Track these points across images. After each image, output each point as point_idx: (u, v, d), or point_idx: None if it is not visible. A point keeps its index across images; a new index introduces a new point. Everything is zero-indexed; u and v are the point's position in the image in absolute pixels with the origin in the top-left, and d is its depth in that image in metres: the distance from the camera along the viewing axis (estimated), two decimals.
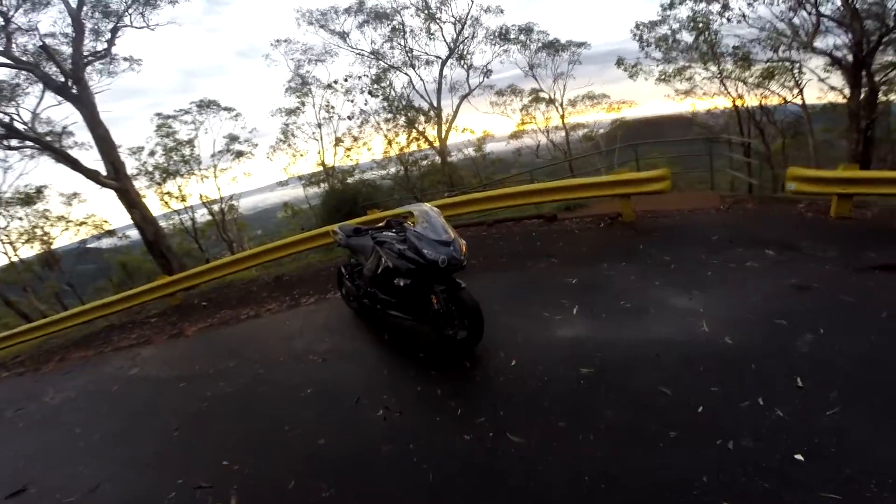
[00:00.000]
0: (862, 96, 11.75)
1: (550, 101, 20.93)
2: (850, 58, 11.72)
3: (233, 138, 19.62)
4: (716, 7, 13.93)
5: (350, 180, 16.54)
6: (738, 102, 16.33)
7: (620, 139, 21.59)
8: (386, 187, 16.72)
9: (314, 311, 5.79)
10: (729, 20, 13.90)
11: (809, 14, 12.23)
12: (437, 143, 17.17)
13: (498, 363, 3.51)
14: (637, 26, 16.09)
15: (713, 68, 15.59)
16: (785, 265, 4.37)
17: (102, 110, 11.12)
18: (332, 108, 17.56)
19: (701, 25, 14.43)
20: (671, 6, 14.93)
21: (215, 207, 20.41)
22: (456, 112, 17.84)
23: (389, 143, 17.04)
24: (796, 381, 2.79)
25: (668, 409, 2.73)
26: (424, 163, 17.28)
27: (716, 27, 14.40)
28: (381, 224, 4.16)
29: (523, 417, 2.93)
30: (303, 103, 17.96)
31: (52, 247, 19.17)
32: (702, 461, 2.33)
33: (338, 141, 17.52)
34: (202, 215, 21.06)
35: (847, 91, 12.30)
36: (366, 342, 4.47)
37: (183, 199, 19.37)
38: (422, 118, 17.02)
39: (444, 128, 17.20)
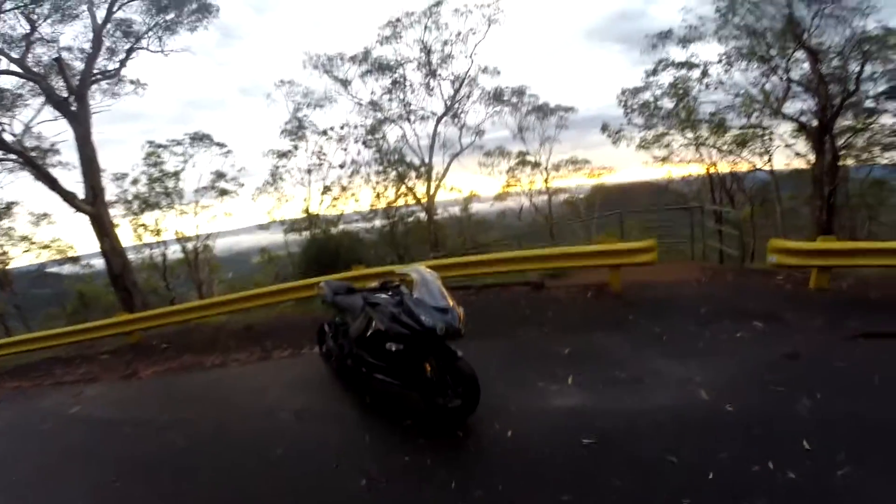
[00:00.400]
0: (826, 162, 12.36)
1: (536, 165, 21.79)
2: (814, 123, 12.46)
3: (220, 175, 19.05)
4: (695, 73, 15.05)
5: (334, 230, 16.39)
6: (711, 169, 17.21)
7: (599, 205, 22.17)
8: (369, 241, 16.63)
9: (288, 365, 5.44)
10: (707, 86, 14.94)
11: (781, 79, 13.16)
12: (424, 200, 17.44)
13: (493, 434, 3.28)
14: (623, 92, 17.11)
15: (689, 135, 16.32)
16: (773, 336, 4.45)
17: (96, 131, 10.88)
18: (324, 154, 17.72)
19: (681, 92, 15.45)
20: (654, 73, 16.00)
21: (189, 245, 19.63)
22: (446, 170, 18.29)
23: (378, 196, 17.17)
24: (803, 443, 2.77)
25: (678, 476, 2.62)
26: (410, 219, 17.43)
27: (694, 93, 15.41)
28: (373, 285, 4.05)
29: (524, 490, 2.69)
30: (296, 147, 18.02)
31: (7, 266, 17.84)
32: None
33: (326, 189, 17.53)
34: (174, 252, 20.17)
35: (812, 157, 13.03)
36: (345, 403, 4.14)
37: (158, 234, 18.54)
38: (412, 173, 17.37)
39: (434, 185, 17.59)
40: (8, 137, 11.05)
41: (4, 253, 17.53)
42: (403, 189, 17.39)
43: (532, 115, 20.58)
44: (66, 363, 6.72)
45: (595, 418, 3.29)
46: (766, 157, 15.52)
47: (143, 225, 18.09)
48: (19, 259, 18.13)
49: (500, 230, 22.37)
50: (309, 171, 17.90)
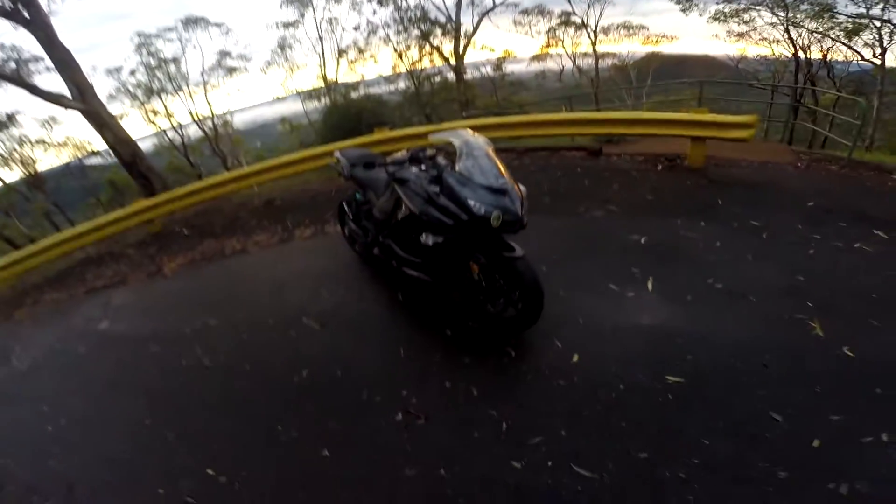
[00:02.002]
0: None
1: (582, 26, 18.45)
2: None
3: (224, 54, 18.24)
4: None
5: (354, 95, 14.78)
6: (801, 53, 14.93)
7: (652, 73, 19.79)
8: (393, 103, 15.01)
9: (310, 249, 4.90)
10: None
11: None
12: (452, 60, 15.08)
13: (554, 357, 2.62)
14: None
15: (780, 14, 13.91)
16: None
17: (76, 35, 9.74)
18: (335, 20, 15.43)
19: None
20: None
21: (208, 124, 18.96)
22: (476, 28, 15.57)
23: (400, 56, 14.94)
24: None
25: (779, 441, 2.03)
26: (437, 79, 15.35)
27: None
28: (400, 154, 3.02)
29: (593, 442, 2.15)
30: (302, 15, 15.84)
31: (36, 169, 18.35)
32: None
33: (341, 53, 15.54)
34: (194, 132, 19.66)
35: None
36: (375, 303, 3.54)
37: (170, 116, 18.02)
38: (438, 31, 14.75)
39: (462, 44, 15.00)
40: None
41: (27, 157, 17.93)
42: (428, 48, 14.96)
43: None
44: (97, 263, 6.52)
45: (686, 348, 2.55)
46: (878, 51, 13.03)
47: (153, 111, 17.71)
48: (45, 160, 18.72)
49: (537, 92, 19.93)
50: (320, 39, 15.92)
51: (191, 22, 17.33)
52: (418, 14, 14.52)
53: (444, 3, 15.28)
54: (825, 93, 15.16)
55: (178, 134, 19.00)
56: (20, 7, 9.16)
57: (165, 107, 18.07)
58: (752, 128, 4.94)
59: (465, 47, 15.21)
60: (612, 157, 5.89)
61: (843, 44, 13.57)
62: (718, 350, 2.52)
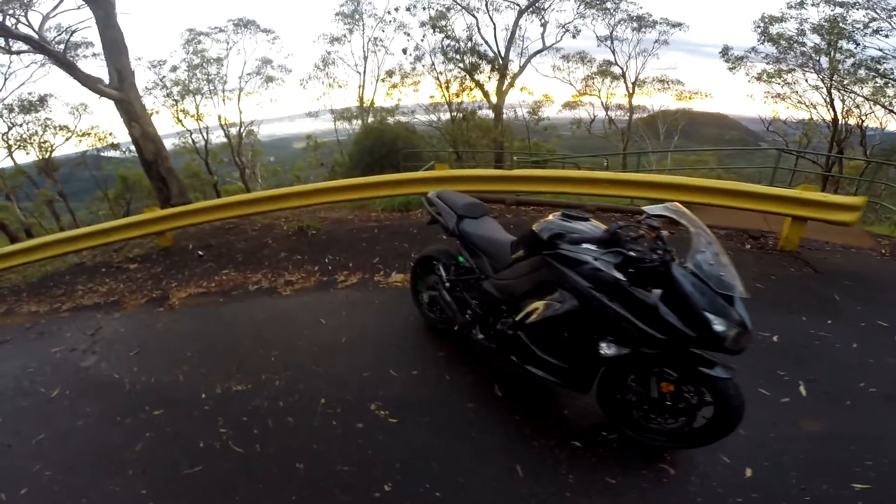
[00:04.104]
0: None
1: (618, 77, 18.43)
2: None
3: (266, 62, 18.06)
4: (857, 15, 12.38)
5: (390, 120, 14.34)
6: (841, 117, 14.92)
7: (681, 131, 19.79)
8: (427, 134, 14.55)
9: (359, 302, 4.03)
10: (874, 31, 12.32)
11: None
12: (493, 97, 14.73)
13: (725, 473, 2.13)
14: (762, 18, 14.80)
15: (826, 77, 14.01)
16: None
17: (122, 12, 9.31)
18: (382, 41, 15.22)
19: (834, 31, 12.88)
20: (800, 4, 13.53)
21: (233, 130, 18.52)
22: (522, 68, 15.36)
23: (443, 87, 14.54)
24: None
25: None
26: (475, 116, 14.96)
27: (850, 34, 12.93)
28: (554, 217, 2.27)
29: None
30: (350, 30, 15.71)
31: (52, 154, 17.80)
32: None
33: (388, 74, 15.23)
34: (217, 137, 19.20)
35: None
36: (466, 395, 2.71)
37: (199, 119, 17.55)
38: (486, 67, 14.41)
39: (507, 82, 14.68)
40: (25, 29, 9.91)
41: (46, 141, 17.39)
42: (470, 83, 14.62)
43: (626, 25, 16.66)
44: (91, 273, 5.72)
45: (858, 452, 2.24)
46: None
47: (183, 110, 17.31)
48: (62, 147, 18.08)
49: (571, 140, 19.80)
50: (365, 58, 15.67)
51: (241, 24, 17.09)
52: (469, 45, 14.21)
53: (494, 38, 15.21)
54: (853, 160, 15.08)
55: (203, 137, 18.47)
56: None
57: (197, 108, 17.62)
58: (860, 210, 4.53)
59: (509, 86, 14.93)
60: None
61: (890, 111, 13.50)
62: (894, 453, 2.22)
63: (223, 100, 17.68)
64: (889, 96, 13.31)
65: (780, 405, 2.55)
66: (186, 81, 16.83)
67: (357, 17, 15.26)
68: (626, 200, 6.36)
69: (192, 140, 18.31)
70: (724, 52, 16.30)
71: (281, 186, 7.10)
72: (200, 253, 5.83)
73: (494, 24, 14.89)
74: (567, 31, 15.45)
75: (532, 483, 2.12)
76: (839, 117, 14.74)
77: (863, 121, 14.86)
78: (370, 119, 14.95)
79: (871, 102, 13.77)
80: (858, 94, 13.82)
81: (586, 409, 2.44)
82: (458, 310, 2.83)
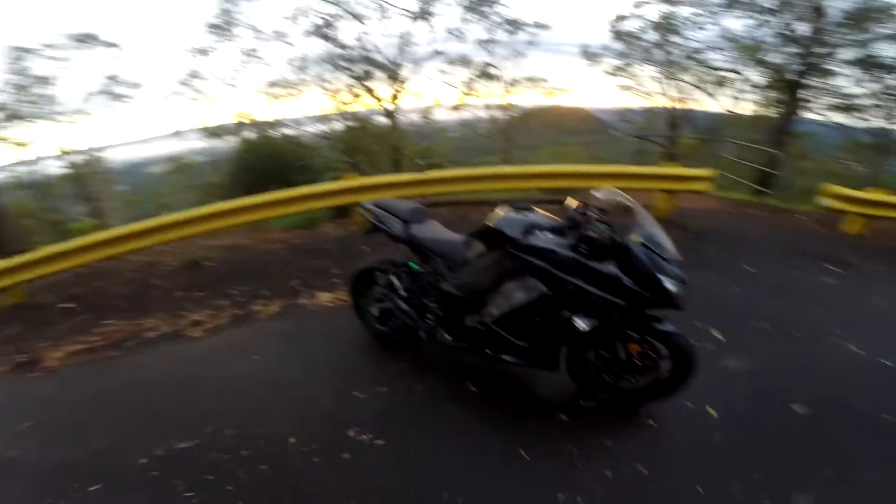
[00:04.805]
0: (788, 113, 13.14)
1: (495, 77, 19.75)
2: (791, 76, 12.92)
3: (112, 79, 15.20)
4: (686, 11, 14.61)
5: (274, 134, 13.35)
6: (673, 104, 17.44)
7: (549, 126, 21.98)
8: (319, 146, 13.85)
9: (291, 329, 3.66)
10: (694, 25, 14.64)
11: (774, 31, 13.07)
12: (386, 105, 14.58)
13: (694, 417, 2.43)
14: (616, 17, 16.43)
15: (660, 69, 16.42)
16: (857, 281, 4.21)
17: None
18: (256, 52, 13.99)
19: (669, 26, 15.07)
20: (642, 4, 15.38)
21: (76, 158, 15.57)
22: (413, 73, 15.39)
23: (334, 96, 13.92)
24: None
25: None
26: (369, 125, 14.67)
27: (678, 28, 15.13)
28: (502, 211, 2.43)
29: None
30: (222, 41, 14.11)
31: None
32: None
33: (270, 86, 14.00)
34: (57, 168, 15.94)
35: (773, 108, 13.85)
36: (442, 397, 2.66)
37: (24, 147, 14.34)
38: (378, 74, 14.13)
39: (400, 89, 14.63)
40: None
41: None
42: (361, 91, 14.27)
43: (501, 27, 18.01)
44: None
45: (789, 382, 2.71)
46: (734, 100, 16.11)
47: (2, 139, 13.97)
48: None
49: (453, 142, 20.67)
50: (239, 70, 14.26)
51: (79, 39, 14.38)
52: (360, 53, 13.81)
53: (385, 45, 15.05)
54: (686, 139, 18.23)
55: (37, 170, 15.21)
56: None
57: (26, 135, 14.38)
58: (710, 179, 5.61)
59: (402, 93, 14.93)
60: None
61: (710, 94, 16.39)
62: (811, 377, 2.77)
63: (60, 123, 14.79)
64: (708, 82, 16.13)
65: (708, 351, 2.87)
66: (11, 105, 13.72)
67: (230, 27, 13.87)
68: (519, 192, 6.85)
69: (28, 173, 14.99)
70: (584, 50, 17.94)
71: (140, 218, 6.08)
72: (67, 305, 4.81)
73: (385, 31, 14.82)
74: (454, 35, 15.95)
75: (542, 463, 2.18)
76: (672, 103, 17.46)
77: (690, 105, 17.68)
78: (250, 134, 13.73)
79: (695, 88, 16.62)
80: (685, 82, 16.46)
81: (557, 385, 2.57)
82: (419, 316, 2.76)
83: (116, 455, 2.49)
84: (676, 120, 18.04)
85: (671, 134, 17.56)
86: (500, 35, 17.95)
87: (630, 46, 16.56)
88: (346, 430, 2.43)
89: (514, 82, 20.25)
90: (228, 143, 14.86)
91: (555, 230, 2.26)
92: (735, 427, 2.35)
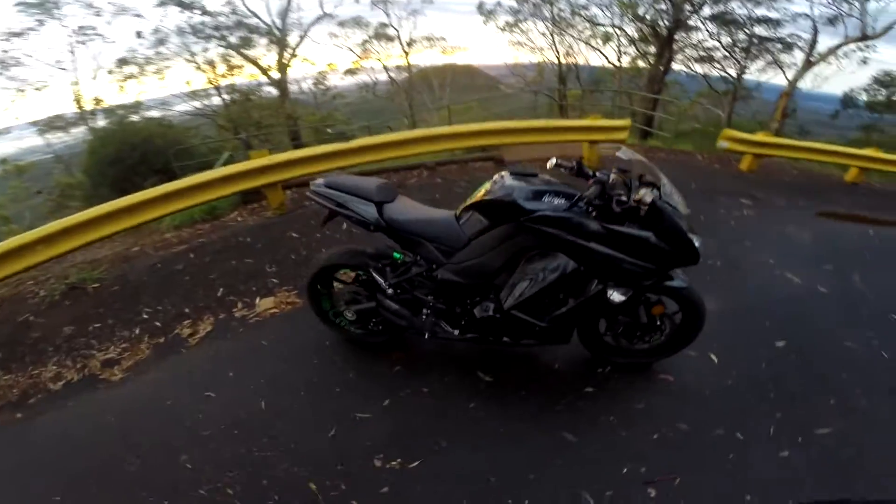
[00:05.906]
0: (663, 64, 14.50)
1: (391, 39, 18.85)
2: (664, 30, 14.20)
3: None
4: None
5: (135, 118, 11.15)
6: (563, 59, 19.15)
7: (447, 84, 21.79)
8: (194, 126, 11.95)
9: (239, 351, 2.97)
10: None
11: None
12: (272, 73, 12.95)
13: (701, 365, 2.53)
14: None
15: (549, 25, 17.52)
16: (770, 213, 4.70)
17: None
18: (94, 29, 11.30)
19: None
20: None
21: None
22: (302, 38, 13.79)
23: (211, 68, 11.88)
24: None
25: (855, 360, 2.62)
26: (254, 97, 12.95)
27: None
28: (502, 175, 2.13)
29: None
30: (41, 22, 11.04)
31: None
32: None
33: (120, 64, 11.44)
34: None
35: (649, 59, 15.27)
36: (459, 396, 2.40)
37: None
38: (260, 41, 12.35)
39: (287, 55, 13.02)
40: None
41: None
42: (242, 60, 12.41)
43: None
44: None
45: (762, 319, 2.92)
46: (616, 54, 17.89)
47: None
48: None
49: (352, 107, 19.45)
50: (72, 51, 11.40)
51: None
52: (232, 19, 11.84)
53: (267, 10, 13.16)
54: (572, 90, 19.46)
55: None
56: None
57: None
58: (628, 129, 5.93)
59: (290, 60, 13.33)
60: (520, 164, 5.88)
61: (597, 49, 17.91)
62: (769, 310, 3.04)
63: None
64: (592, 36, 17.28)
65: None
66: None
67: (50, 5, 10.86)
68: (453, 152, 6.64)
69: None
70: (479, 7, 18.91)
71: None
72: None
73: None
74: None
75: (589, 440, 2.11)
76: (560, 58, 18.55)
77: (576, 59, 19.40)
78: (103, 122, 11.33)
79: (581, 43, 17.60)
80: (572, 37, 17.79)
81: (567, 357, 2.50)
82: (413, 314, 2.39)
83: None
84: (565, 74, 19.08)
85: (561, 87, 18.48)
86: None
87: (522, 2, 17.24)
88: (370, 461, 2.06)
89: (413, 42, 19.69)
90: (75, 136, 12.21)
91: (565, 195, 2.03)
92: (738, 370, 2.48)
